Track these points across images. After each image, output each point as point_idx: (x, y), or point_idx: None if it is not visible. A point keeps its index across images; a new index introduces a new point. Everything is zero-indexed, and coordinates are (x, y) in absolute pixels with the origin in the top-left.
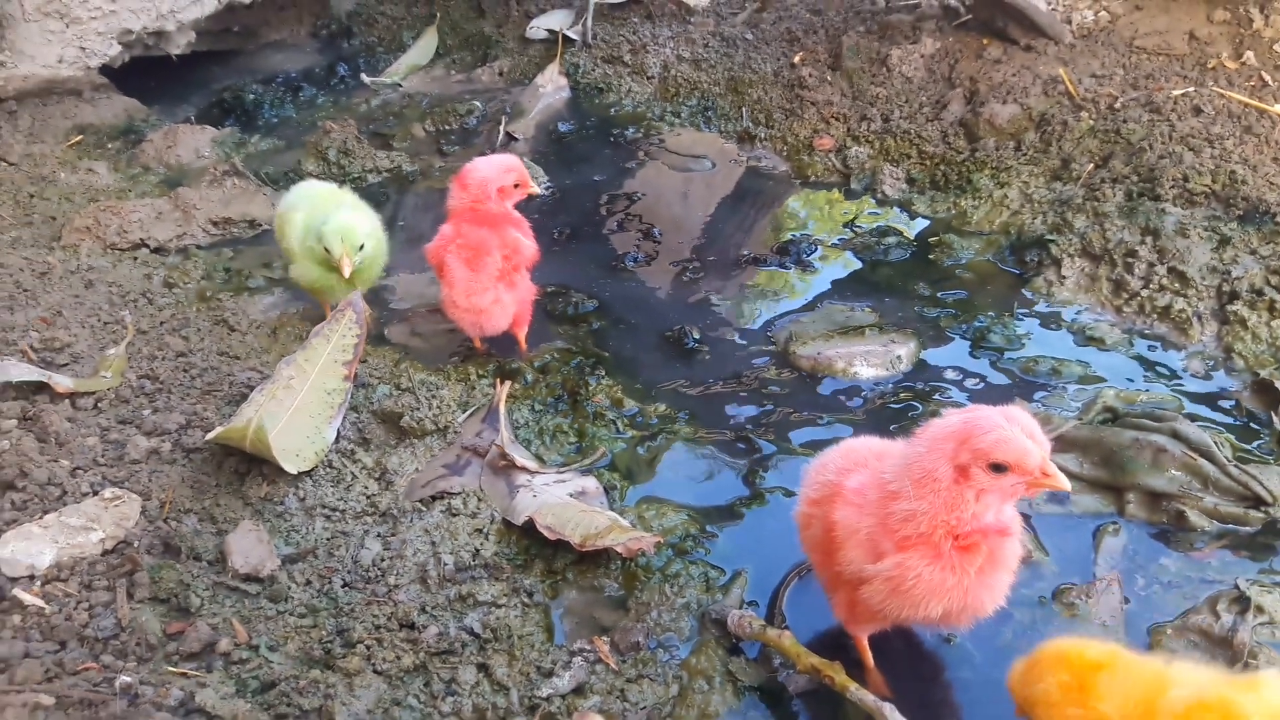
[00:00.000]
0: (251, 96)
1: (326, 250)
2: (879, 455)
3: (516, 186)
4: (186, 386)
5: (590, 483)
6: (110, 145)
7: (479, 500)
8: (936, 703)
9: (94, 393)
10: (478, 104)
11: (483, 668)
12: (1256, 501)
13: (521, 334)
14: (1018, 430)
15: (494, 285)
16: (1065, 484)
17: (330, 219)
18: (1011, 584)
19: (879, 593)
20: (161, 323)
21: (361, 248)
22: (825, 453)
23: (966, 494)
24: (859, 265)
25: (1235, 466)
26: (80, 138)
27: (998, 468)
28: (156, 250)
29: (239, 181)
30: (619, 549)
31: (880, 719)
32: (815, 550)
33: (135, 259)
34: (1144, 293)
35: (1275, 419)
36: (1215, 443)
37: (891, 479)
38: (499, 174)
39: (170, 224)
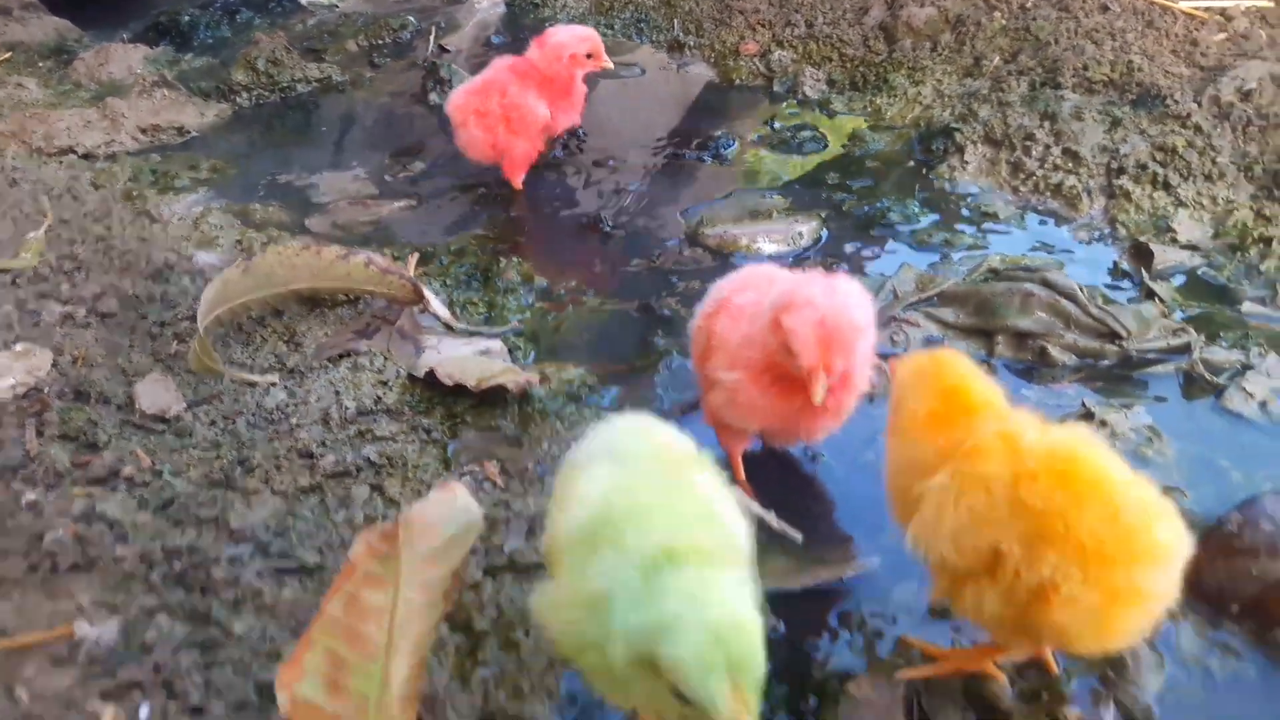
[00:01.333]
0: (187, 19)
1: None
2: (771, 280)
3: (589, 57)
4: (105, 265)
5: (495, 344)
6: (41, 64)
7: (385, 359)
8: (803, 511)
9: (10, 270)
10: (412, 19)
11: (376, 488)
12: (1112, 336)
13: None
14: (813, 325)
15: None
16: (819, 396)
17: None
18: (849, 411)
19: (719, 399)
20: (85, 214)
21: None
22: (728, 275)
23: (781, 350)
24: (773, 159)
25: (1096, 306)
26: (9, 55)
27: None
28: (85, 156)
29: (169, 92)
30: (510, 386)
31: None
32: (697, 360)
33: (61, 163)
34: (1039, 172)
35: (1144, 275)
36: (1080, 288)
37: (756, 306)
38: (576, 41)
39: (98, 131)
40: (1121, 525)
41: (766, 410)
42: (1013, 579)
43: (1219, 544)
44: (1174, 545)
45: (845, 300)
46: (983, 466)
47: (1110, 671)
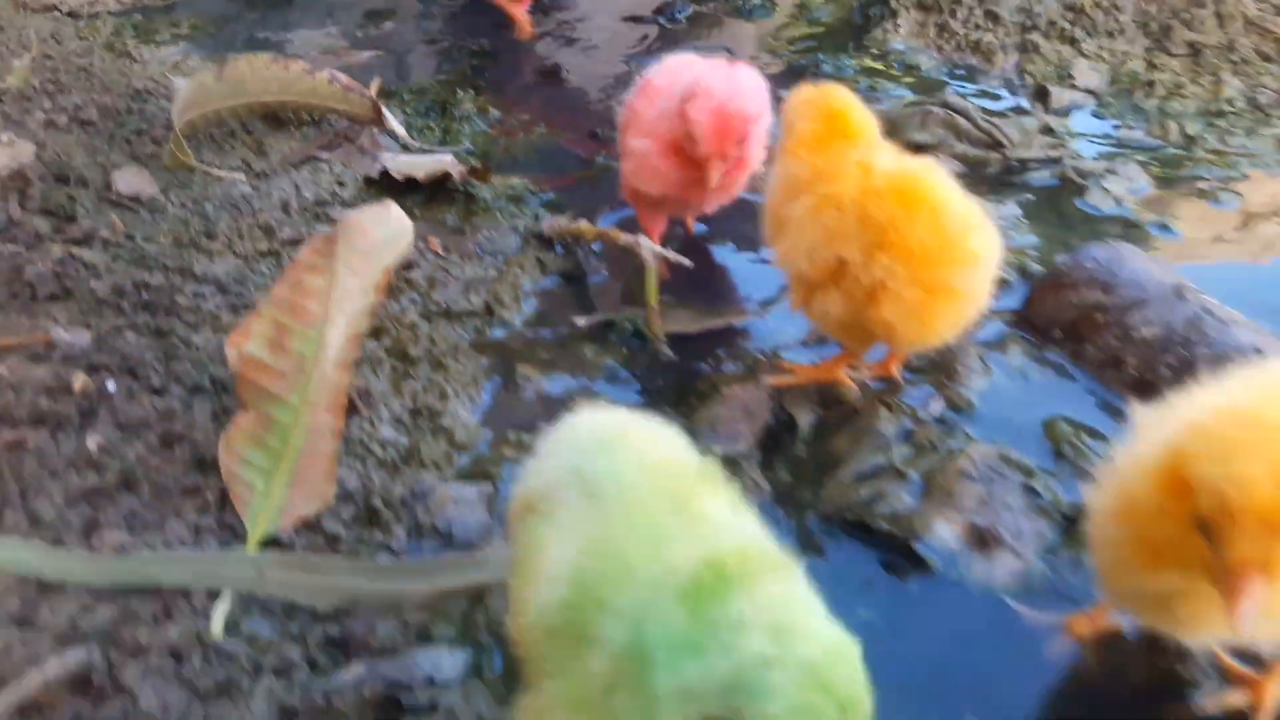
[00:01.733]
0: None
1: None
2: (689, 66)
3: None
4: (86, 87)
5: (447, 157)
6: None
7: (344, 165)
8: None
9: None
10: None
11: None
12: (997, 145)
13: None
14: (711, 114)
15: None
16: (714, 180)
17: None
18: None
19: (631, 166)
20: (69, 53)
21: None
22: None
23: (684, 136)
24: (723, 21)
25: (984, 119)
26: None
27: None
28: (69, 14)
29: None
30: (454, 174)
31: (635, 249)
32: (620, 135)
33: (45, 17)
34: (962, 31)
35: (1040, 109)
36: (973, 106)
37: (669, 87)
38: None
39: None
40: (943, 234)
41: (668, 178)
42: (852, 284)
43: (1051, 282)
44: (985, 252)
45: (741, 90)
46: (839, 188)
47: (944, 378)
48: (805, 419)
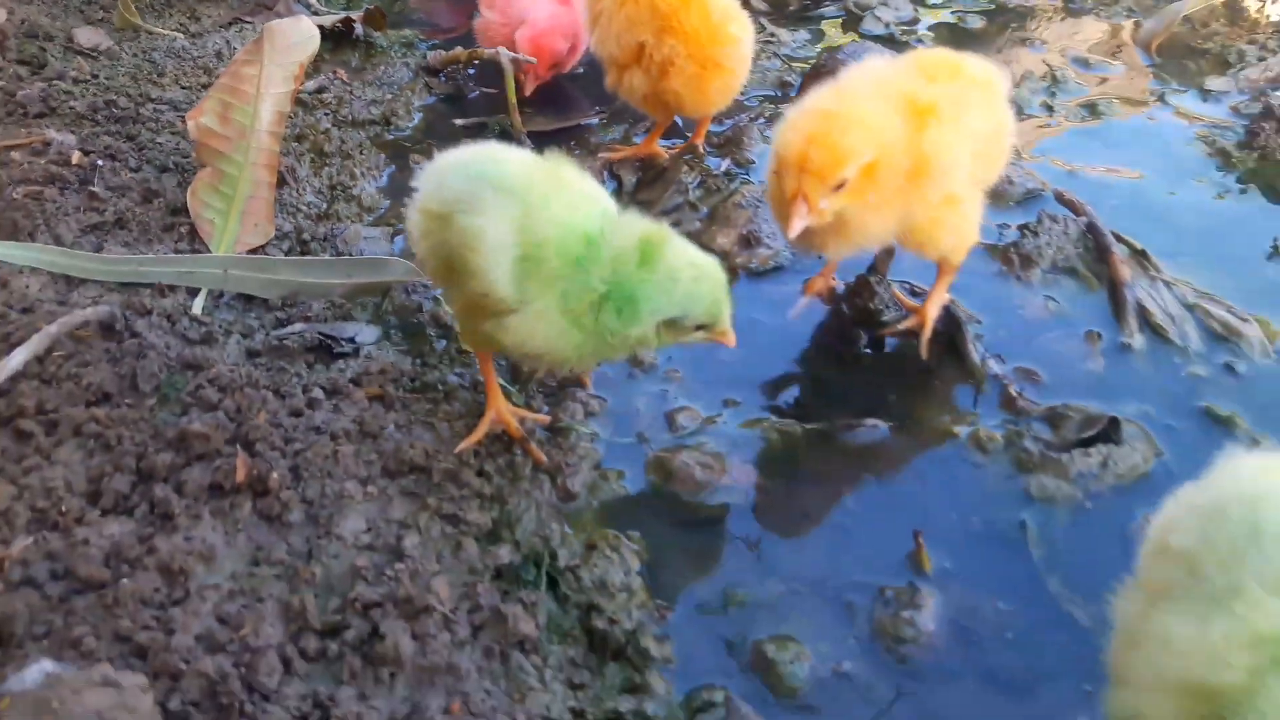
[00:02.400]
0: None
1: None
2: None
3: None
4: None
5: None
6: None
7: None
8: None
9: None
10: None
11: None
12: None
13: None
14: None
15: None
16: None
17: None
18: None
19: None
20: None
21: None
22: None
23: None
24: None
25: None
26: None
27: None
28: None
29: None
30: (355, 18)
31: (496, 59)
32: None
33: None
34: None
35: None
36: None
37: None
38: None
39: None
40: (710, 21)
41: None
42: (649, 62)
43: (814, 71)
44: (742, 35)
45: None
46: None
47: (734, 148)
48: (629, 179)
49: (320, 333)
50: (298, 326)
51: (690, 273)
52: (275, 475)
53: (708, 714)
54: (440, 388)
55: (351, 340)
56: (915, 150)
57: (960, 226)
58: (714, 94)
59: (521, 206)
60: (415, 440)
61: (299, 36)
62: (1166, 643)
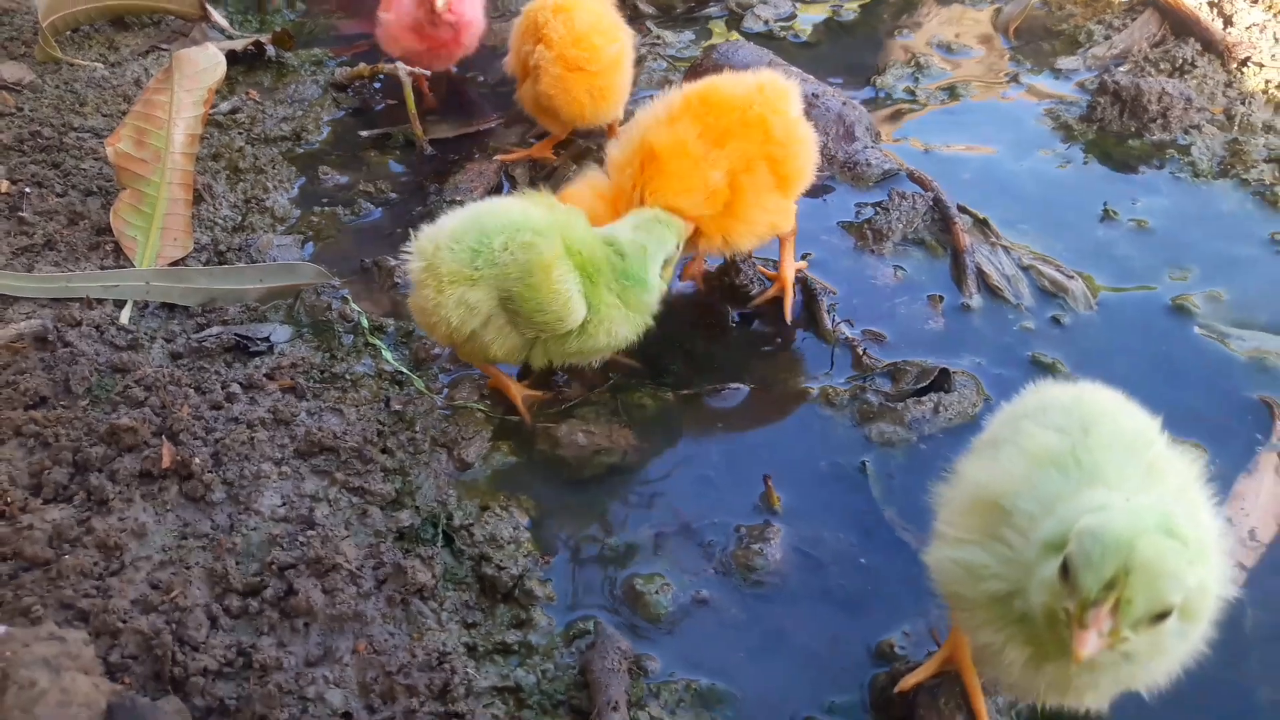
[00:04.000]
0: None
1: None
2: None
3: None
4: None
5: (264, 38)
6: None
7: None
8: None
9: None
10: None
11: None
12: None
13: None
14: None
15: None
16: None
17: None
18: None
19: (382, 30)
20: None
21: None
22: None
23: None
24: None
25: None
26: None
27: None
28: None
29: None
30: (265, 40)
31: (394, 73)
32: (379, 10)
33: None
34: None
35: None
36: None
37: None
38: None
39: None
40: (575, 30)
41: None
42: (531, 70)
43: (694, 69)
44: (603, 44)
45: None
46: (533, 6)
47: None
48: (522, 177)
49: (236, 334)
50: (215, 329)
51: (649, 233)
52: (198, 460)
53: (582, 640)
54: (348, 377)
55: (266, 339)
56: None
57: (752, 230)
58: (584, 96)
59: (558, 237)
60: (325, 425)
61: (206, 63)
62: (969, 475)
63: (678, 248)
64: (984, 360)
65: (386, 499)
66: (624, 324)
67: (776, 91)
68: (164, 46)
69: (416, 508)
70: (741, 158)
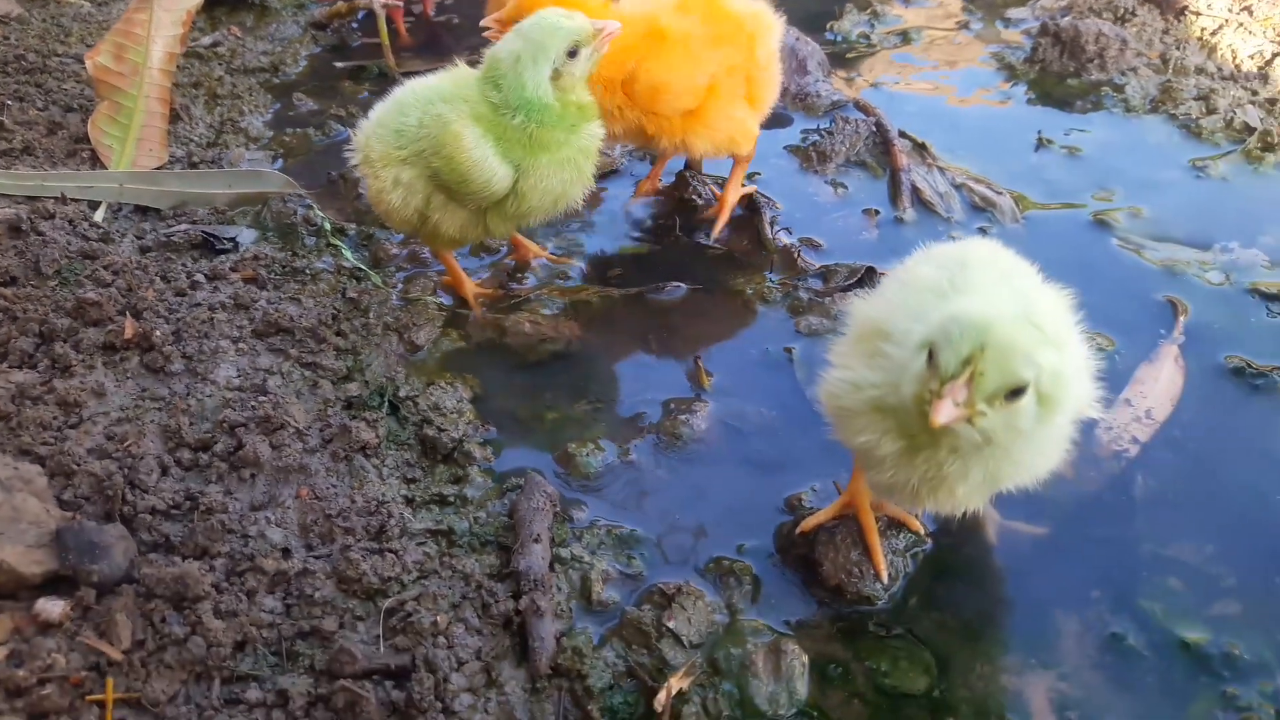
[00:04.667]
0: None
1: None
2: None
3: None
4: None
5: None
6: None
7: None
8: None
9: None
10: None
11: None
12: None
13: None
14: None
15: None
16: None
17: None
18: None
19: None
20: None
21: None
22: None
23: None
24: None
25: None
26: None
27: None
28: None
29: None
30: None
31: (370, 4)
32: None
33: None
34: None
35: None
36: None
37: None
38: None
39: None
40: None
41: None
42: None
43: None
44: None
45: None
46: None
47: None
48: None
49: (204, 231)
50: (183, 226)
51: (523, 42)
52: (158, 334)
53: (514, 492)
54: (308, 272)
55: (232, 239)
56: (637, 71)
57: (712, 136)
58: None
59: (465, 103)
60: (282, 310)
61: None
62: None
63: (576, 50)
64: None
65: (338, 374)
66: (555, 175)
67: (768, 20)
68: None
69: (365, 381)
70: (726, 65)
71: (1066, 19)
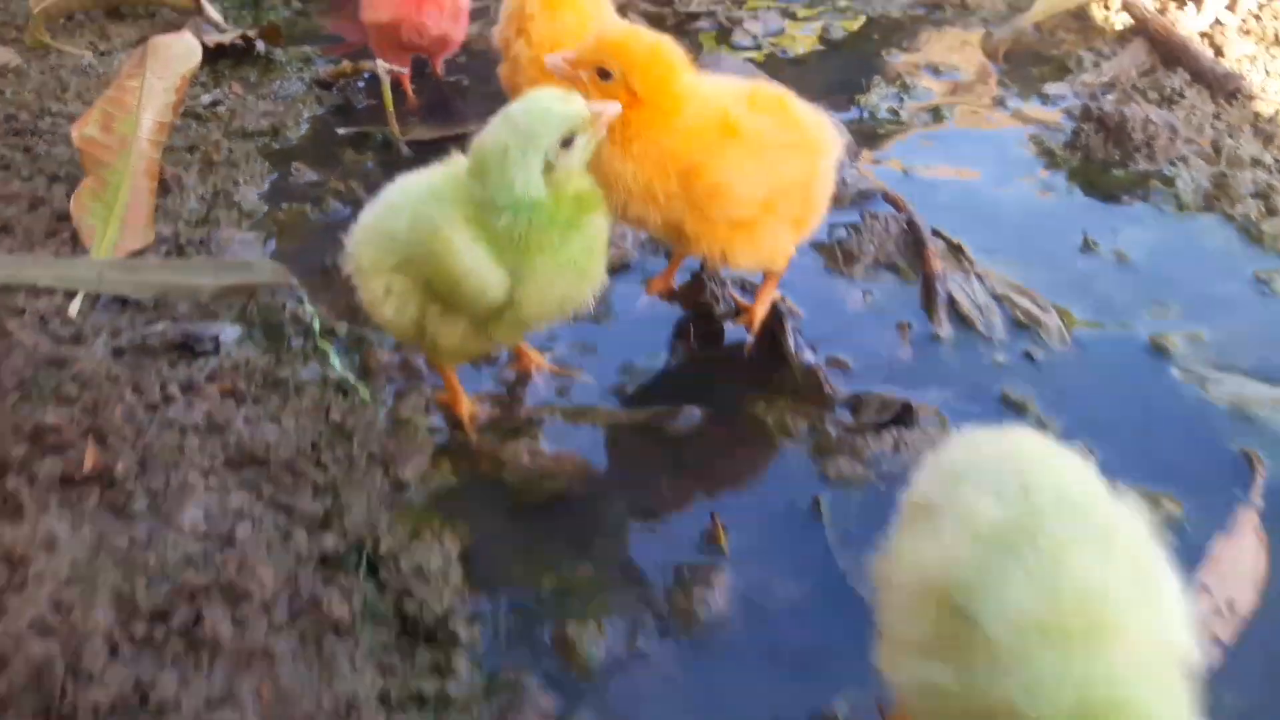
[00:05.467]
0: None
1: None
2: None
3: None
4: None
5: (251, 33)
6: None
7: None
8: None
9: None
10: None
11: None
12: (669, 2)
13: None
14: None
15: None
16: None
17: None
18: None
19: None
20: None
21: None
22: None
23: None
24: None
25: None
26: None
27: None
28: None
29: None
30: (252, 35)
31: (375, 70)
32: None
33: None
34: None
35: None
36: None
37: None
38: None
39: None
40: (559, 35)
41: (390, 4)
42: (511, 60)
43: None
44: None
45: None
46: None
47: None
48: None
49: (183, 331)
50: (160, 326)
51: (509, 130)
52: (121, 466)
53: (503, 695)
54: (291, 384)
55: (214, 339)
56: (703, 165)
57: (755, 253)
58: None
59: (458, 202)
60: (260, 434)
61: (181, 50)
62: (908, 557)
63: (572, 138)
64: (951, 395)
65: (314, 520)
66: (556, 279)
67: (831, 136)
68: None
69: (344, 531)
70: (790, 179)
71: (1111, 103)
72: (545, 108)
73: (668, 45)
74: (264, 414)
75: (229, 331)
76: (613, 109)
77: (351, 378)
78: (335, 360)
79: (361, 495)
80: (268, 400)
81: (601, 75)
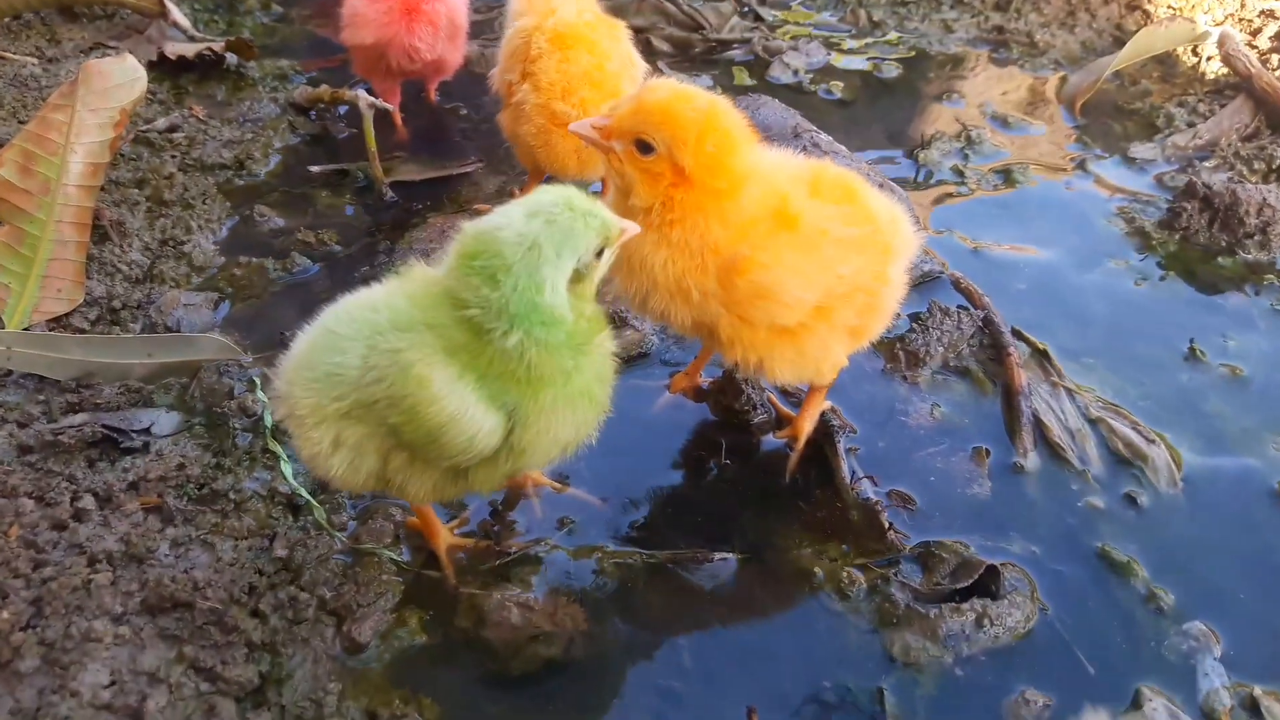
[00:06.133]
0: None
1: None
2: None
3: None
4: None
5: (219, 44)
6: None
7: (130, 52)
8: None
9: None
10: None
11: None
12: (698, 27)
13: None
14: None
15: None
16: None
17: None
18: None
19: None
20: None
21: None
22: None
23: None
24: None
25: (687, 5)
26: None
27: None
28: None
29: None
30: (218, 49)
31: (355, 102)
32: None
33: None
34: None
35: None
36: None
37: None
38: None
39: None
40: (569, 81)
41: (374, 23)
42: (514, 105)
43: None
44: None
45: None
46: (529, 23)
47: None
48: None
49: (105, 425)
50: (79, 418)
51: (549, 228)
52: (8, 611)
53: None
54: (232, 496)
55: (145, 431)
56: (748, 260)
57: (798, 365)
58: (570, 157)
59: (431, 332)
60: (187, 567)
61: (121, 78)
62: None
63: (601, 253)
64: (1040, 549)
65: (245, 687)
66: (565, 416)
67: (907, 232)
68: (111, 45)
69: (282, 707)
70: (851, 283)
71: (1218, 178)
72: (586, 208)
73: (724, 111)
74: (194, 538)
75: (165, 420)
76: (633, 228)
77: (304, 492)
78: (286, 468)
79: (306, 658)
80: (201, 519)
81: (641, 149)
